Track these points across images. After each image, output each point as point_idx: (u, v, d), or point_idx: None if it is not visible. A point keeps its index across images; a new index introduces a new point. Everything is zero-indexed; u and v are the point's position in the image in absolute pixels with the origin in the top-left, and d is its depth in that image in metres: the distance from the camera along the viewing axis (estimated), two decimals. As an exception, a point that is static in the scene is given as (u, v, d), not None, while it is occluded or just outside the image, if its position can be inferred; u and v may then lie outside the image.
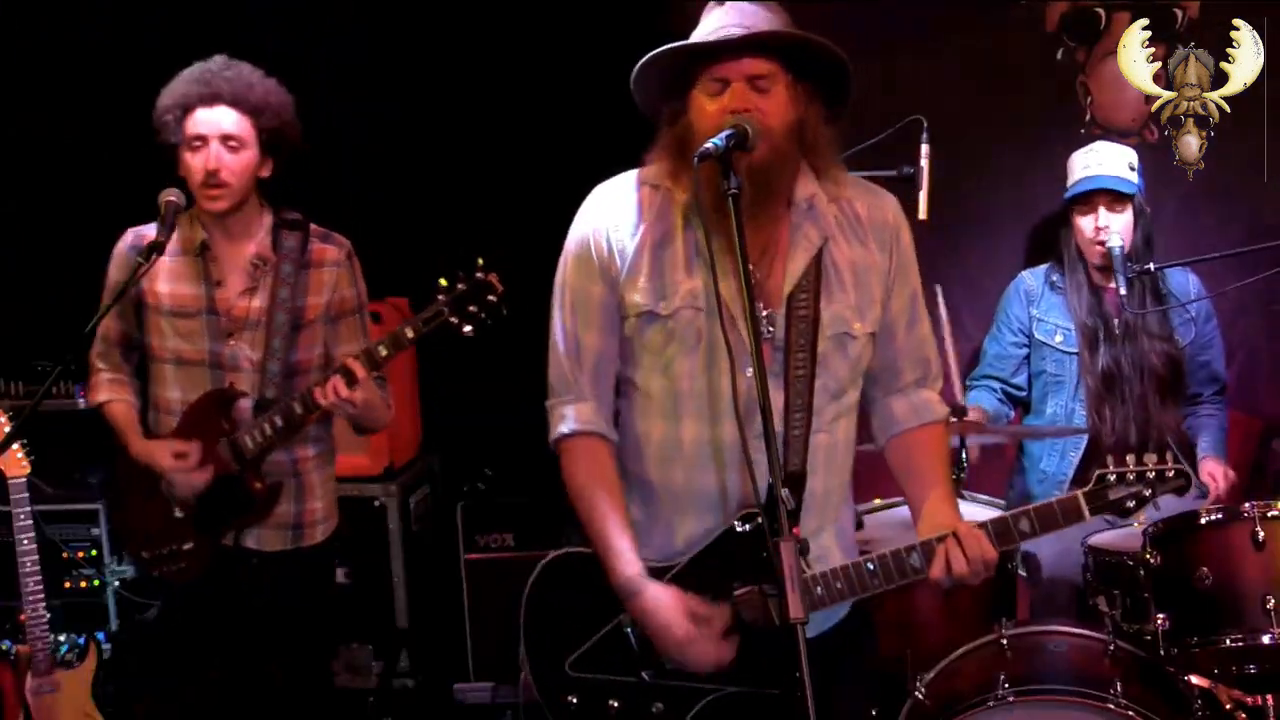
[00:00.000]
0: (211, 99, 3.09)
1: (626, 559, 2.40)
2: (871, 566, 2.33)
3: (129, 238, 3.24)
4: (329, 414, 3.26)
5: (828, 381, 2.40)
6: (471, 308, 2.98)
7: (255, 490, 3.20)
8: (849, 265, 2.41)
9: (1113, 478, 2.32)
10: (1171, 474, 2.32)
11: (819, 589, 2.33)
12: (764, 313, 2.35)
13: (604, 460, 2.48)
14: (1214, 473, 3.76)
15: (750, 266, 2.23)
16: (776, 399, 2.33)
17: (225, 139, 3.09)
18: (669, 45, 2.30)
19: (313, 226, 3.29)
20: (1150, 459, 2.33)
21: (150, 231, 3.18)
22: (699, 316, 2.37)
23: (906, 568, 2.32)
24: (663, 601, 2.36)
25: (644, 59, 2.32)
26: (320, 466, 3.35)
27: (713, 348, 2.36)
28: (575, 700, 2.47)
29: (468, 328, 2.99)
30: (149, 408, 3.31)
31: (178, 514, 3.21)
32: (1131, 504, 2.32)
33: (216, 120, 3.09)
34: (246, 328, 3.19)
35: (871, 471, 2.70)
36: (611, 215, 2.44)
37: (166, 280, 3.21)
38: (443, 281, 2.99)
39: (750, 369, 2.27)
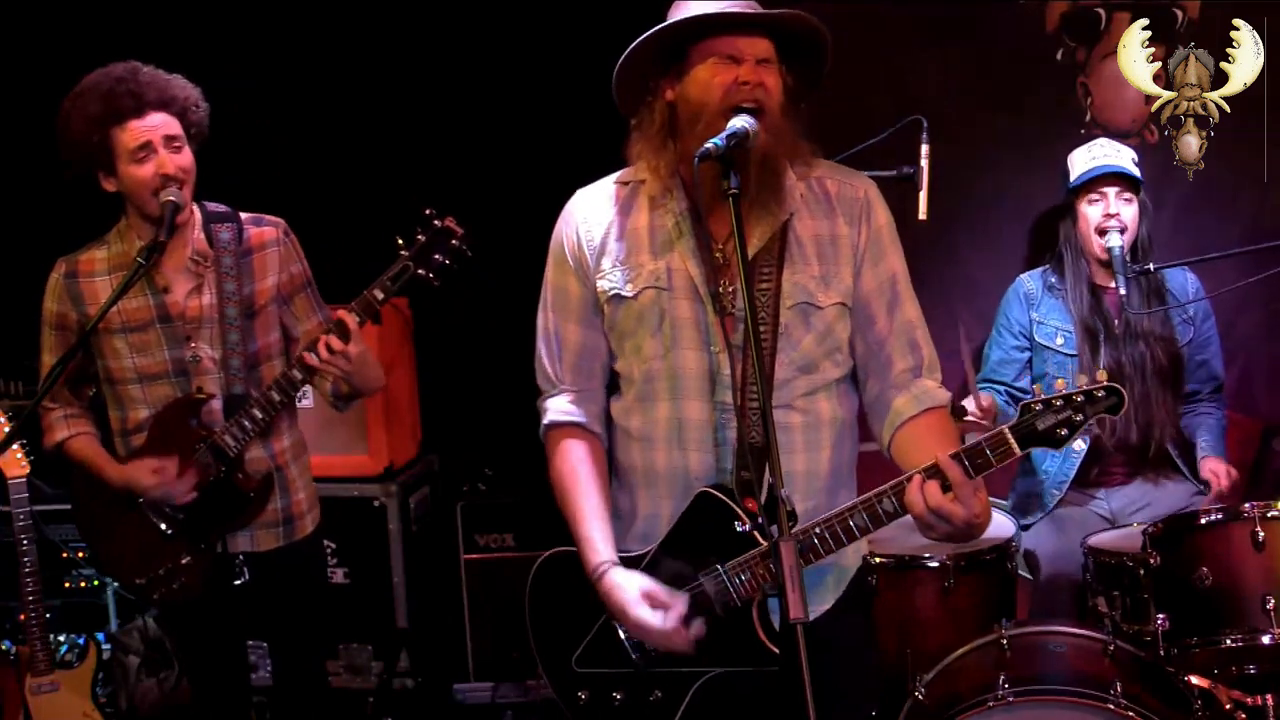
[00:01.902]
0: (142, 108, 3.02)
1: (594, 548, 2.43)
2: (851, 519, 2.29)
3: (61, 267, 3.21)
4: (293, 401, 3.24)
5: (792, 354, 2.39)
6: (436, 256, 2.98)
7: (246, 488, 3.17)
8: (812, 238, 2.41)
9: (1039, 407, 2.19)
10: (1101, 393, 2.18)
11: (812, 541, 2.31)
12: (729, 289, 2.37)
13: (581, 450, 2.52)
14: (1216, 470, 3.75)
15: (721, 245, 2.32)
16: (736, 369, 2.34)
17: (168, 140, 3.05)
18: (696, 14, 2.29)
19: (242, 214, 3.25)
20: (1081, 380, 2.21)
21: (81, 257, 3.19)
22: (661, 295, 2.41)
23: (880, 512, 2.27)
24: (619, 585, 2.38)
25: (660, 27, 2.32)
26: (297, 457, 3.32)
27: (676, 325, 2.40)
28: (585, 696, 2.49)
29: (436, 279, 2.98)
30: (117, 434, 3.24)
31: (167, 531, 3.17)
32: (1064, 431, 2.18)
33: (156, 124, 3.03)
34: (203, 326, 3.15)
35: (870, 471, 2.69)
36: (584, 211, 2.50)
37: None
38: (400, 239, 2.99)
39: (715, 346, 2.36)
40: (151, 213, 3.07)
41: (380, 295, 3.01)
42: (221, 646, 3.35)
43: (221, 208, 3.24)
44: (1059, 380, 2.23)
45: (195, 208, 3.20)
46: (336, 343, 2.99)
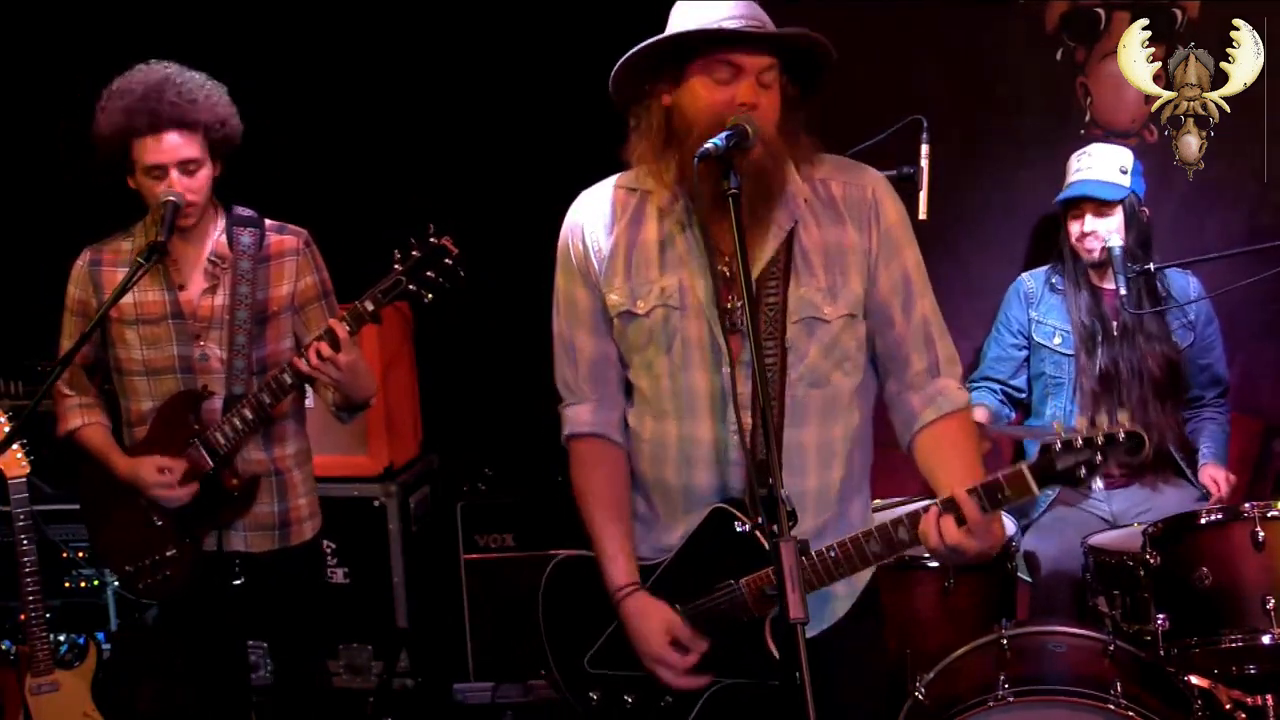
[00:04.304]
0: (158, 127, 3.04)
1: (616, 566, 2.44)
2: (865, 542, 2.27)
3: (86, 255, 3.25)
4: (303, 406, 3.29)
5: (800, 369, 2.36)
6: (429, 273, 2.99)
7: (231, 486, 3.20)
8: (819, 247, 2.37)
9: (1059, 446, 2.15)
10: (1123, 436, 2.13)
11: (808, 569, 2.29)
12: (737, 305, 2.33)
13: (601, 462, 2.50)
14: (1216, 477, 3.76)
15: (728, 259, 2.30)
16: (744, 390, 2.32)
17: (183, 165, 3.07)
18: (700, 28, 2.25)
19: (267, 221, 3.28)
20: (1102, 422, 2.17)
21: (106, 246, 3.24)
22: (673, 314, 2.38)
23: (895, 540, 2.26)
24: (643, 615, 2.39)
25: (663, 37, 2.29)
26: (300, 464, 3.34)
27: (686, 344, 2.38)
28: (596, 696, 2.50)
29: (428, 295, 3.00)
30: (123, 424, 3.28)
31: (157, 521, 3.20)
32: (1082, 472, 2.14)
33: (170, 148, 3.05)
34: (212, 327, 3.19)
35: (886, 470, 2.68)
36: (587, 217, 2.47)
37: (129, 290, 3.13)
38: (397, 252, 3.00)
39: (725, 366, 2.32)
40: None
41: (370, 307, 3.02)
42: (218, 646, 3.36)
43: (248, 212, 3.27)
44: (1080, 419, 2.21)
45: (220, 210, 3.24)
46: (326, 349, 3.00)
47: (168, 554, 3.20)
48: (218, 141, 3.13)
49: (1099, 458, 2.15)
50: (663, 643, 2.37)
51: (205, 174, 3.12)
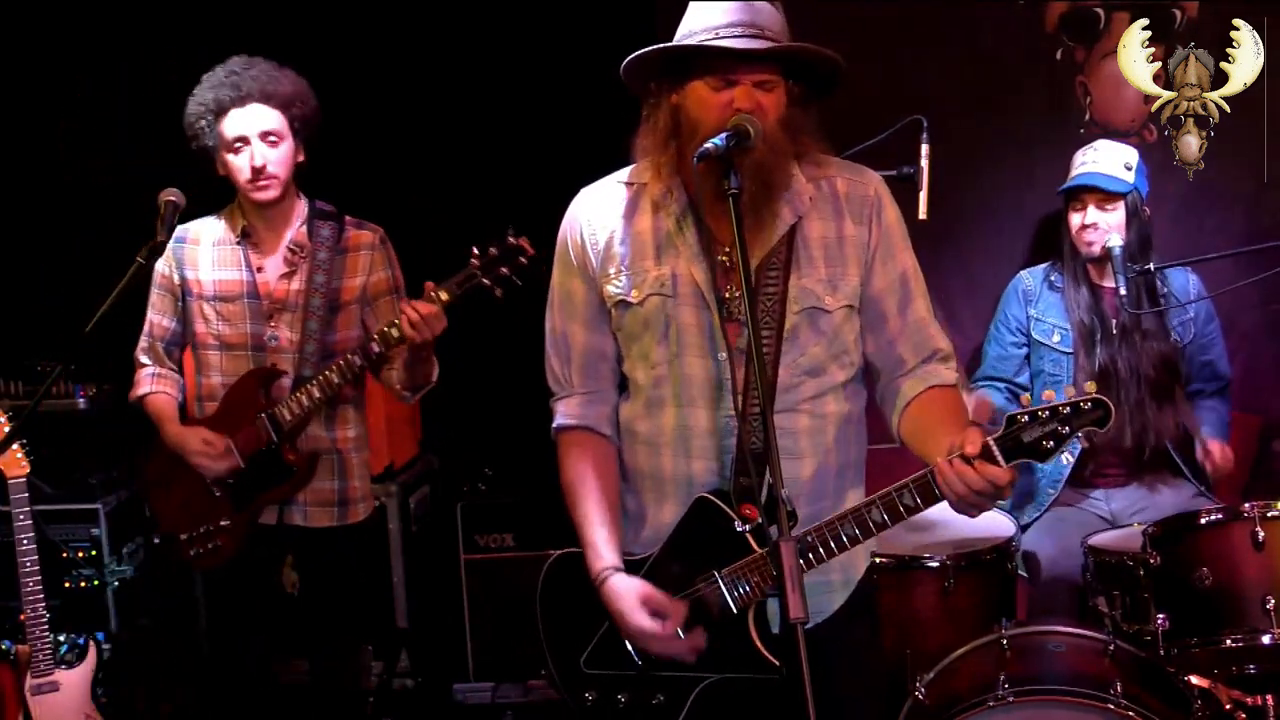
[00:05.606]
0: (243, 99, 3.21)
1: (597, 552, 2.45)
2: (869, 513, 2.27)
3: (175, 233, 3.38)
4: (363, 393, 3.43)
5: (798, 357, 2.38)
6: (503, 270, 3.09)
7: (291, 461, 3.32)
8: (820, 240, 2.39)
9: (1025, 419, 2.16)
10: (1088, 405, 2.13)
11: (813, 543, 2.30)
12: (735, 294, 2.36)
13: (589, 454, 2.52)
14: (1212, 449, 3.73)
15: (727, 249, 2.33)
16: (737, 375, 2.35)
17: (265, 135, 3.23)
18: (692, 42, 2.29)
19: (347, 217, 3.43)
20: (1069, 391, 2.17)
21: (191, 226, 3.36)
22: (667, 303, 2.40)
23: (870, 522, 2.26)
24: (620, 592, 2.40)
25: (656, 47, 2.32)
26: (358, 448, 3.47)
27: (682, 331, 2.39)
28: (592, 697, 2.50)
29: (499, 290, 3.09)
30: (198, 398, 3.42)
31: (215, 492, 3.33)
32: (1050, 444, 2.15)
33: (253, 119, 3.22)
34: (286, 309, 3.33)
35: (884, 471, 2.68)
36: (587, 212, 2.49)
37: (210, 268, 3.36)
38: (474, 249, 3.10)
39: (721, 353, 2.35)
40: (250, 200, 3.29)
41: (445, 297, 3.11)
42: (268, 620, 3.48)
43: (328, 207, 3.43)
44: (1047, 391, 2.22)
45: (303, 202, 3.40)
46: (425, 307, 3.07)
47: (221, 524, 3.33)
48: (298, 118, 3.27)
49: (1065, 429, 2.16)
50: (641, 615, 2.37)
51: (287, 149, 3.27)
